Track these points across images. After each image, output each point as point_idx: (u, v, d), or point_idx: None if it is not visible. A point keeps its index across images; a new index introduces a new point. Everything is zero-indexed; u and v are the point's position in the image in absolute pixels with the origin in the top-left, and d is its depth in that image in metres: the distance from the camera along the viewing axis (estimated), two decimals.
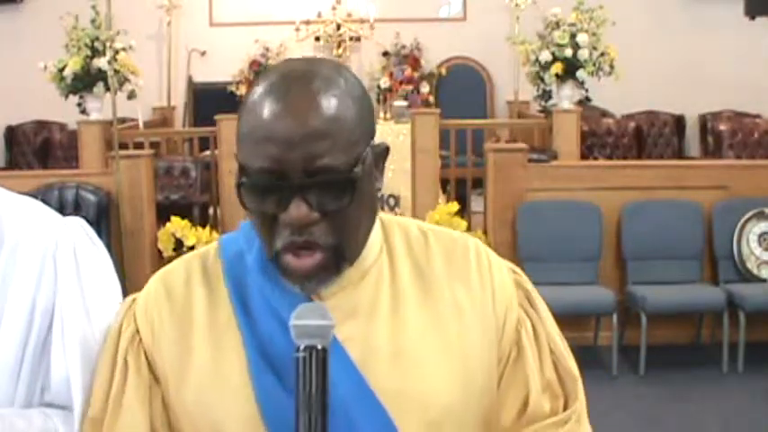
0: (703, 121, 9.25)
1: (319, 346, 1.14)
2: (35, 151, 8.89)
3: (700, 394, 5.09)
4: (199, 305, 1.30)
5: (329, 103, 1.18)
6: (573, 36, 6.89)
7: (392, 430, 1.24)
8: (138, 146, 6.87)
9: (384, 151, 1.27)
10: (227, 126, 6.77)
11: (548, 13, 7.09)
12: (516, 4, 8.63)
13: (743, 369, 5.40)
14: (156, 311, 1.31)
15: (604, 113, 9.04)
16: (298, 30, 8.59)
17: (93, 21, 6.68)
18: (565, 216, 5.64)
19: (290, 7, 8.77)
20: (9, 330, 1.31)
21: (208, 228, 6.16)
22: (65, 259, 1.36)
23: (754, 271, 5.70)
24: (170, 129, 8.62)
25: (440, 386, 1.27)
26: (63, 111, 7.32)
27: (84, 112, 6.85)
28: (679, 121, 9.27)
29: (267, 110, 1.17)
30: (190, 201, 7.07)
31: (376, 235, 1.32)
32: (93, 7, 6.62)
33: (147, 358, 1.31)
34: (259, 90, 1.20)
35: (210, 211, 7.19)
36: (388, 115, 8.07)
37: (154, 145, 7.16)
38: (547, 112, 7.41)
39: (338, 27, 8.76)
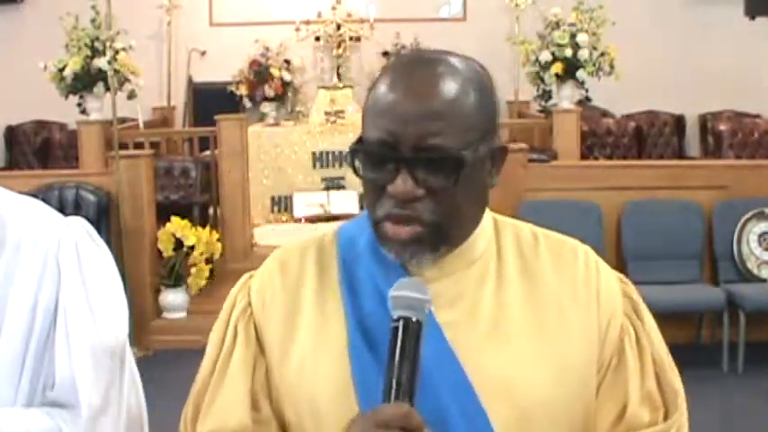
0: (703, 121, 9.28)
1: (414, 319, 1.18)
2: (35, 151, 8.90)
3: (700, 394, 5.00)
4: (309, 284, 1.36)
5: (449, 88, 1.23)
6: (573, 36, 6.93)
7: (480, 414, 1.25)
8: (138, 146, 6.88)
9: (501, 149, 1.31)
10: (226, 126, 6.80)
11: (548, 13, 7.13)
12: (516, 4, 8.64)
13: (743, 369, 5.40)
14: (269, 286, 1.37)
15: (604, 113, 9.07)
16: (298, 30, 8.60)
17: (93, 21, 6.69)
18: (565, 216, 5.63)
19: (290, 7, 8.79)
20: (11, 330, 1.32)
21: (208, 228, 6.17)
22: (67, 258, 1.36)
23: (755, 271, 5.71)
24: (170, 129, 8.64)
25: (534, 376, 1.28)
26: (63, 111, 7.33)
27: (84, 112, 6.86)
28: (679, 121, 9.30)
29: (391, 87, 1.24)
30: (190, 201, 7.08)
31: (486, 229, 1.36)
32: (93, 7, 6.62)
33: (256, 330, 1.36)
34: (389, 70, 1.28)
35: (210, 210, 7.21)
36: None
37: (154, 145, 7.17)
38: (547, 111, 7.45)
39: (338, 27, 8.78)
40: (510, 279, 1.34)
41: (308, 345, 1.32)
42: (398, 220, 1.24)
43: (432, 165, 1.22)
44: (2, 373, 1.30)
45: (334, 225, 1.47)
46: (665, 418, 1.33)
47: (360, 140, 1.26)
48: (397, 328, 1.19)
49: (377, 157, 1.23)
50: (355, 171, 1.26)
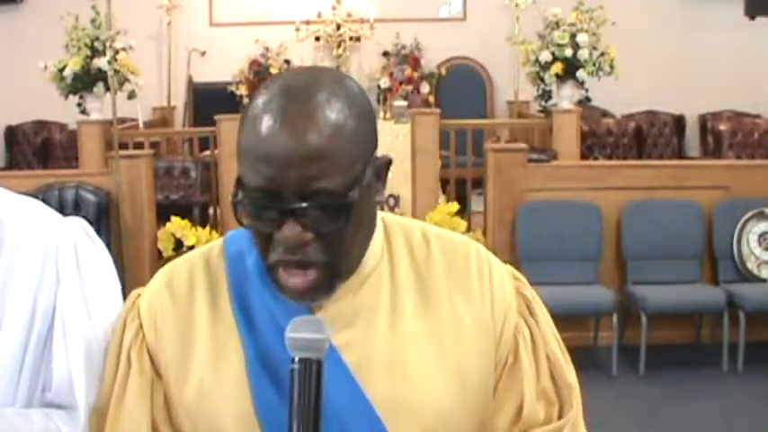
0: (703, 121, 9.26)
1: (314, 358, 1.15)
2: (35, 151, 8.90)
3: (700, 394, 5.09)
4: (201, 304, 1.31)
5: (327, 122, 1.16)
6: (573, 36, 6.91)
7: None
8: (138, 146, 6.87)
9: (386, 164, 1.27)
10: (227, 126, 6.77)
11: (548, 13, 7.11)
12: (516, 4, 8.63)
13: (743, 369, 5.41)
14: (159, 309, 1.33)
15: (604, 113, 9.05)
16: (298, 30, 8.59)
17: (93, 21, 6.69)
18: (565, 216, 5.65)
19: (290, 7, 8.78)
20: (10, 330, 1.32)
21: (208, 228, 6.16)
22: (66, 259, 1.36)
23: (755, 271, 5.72)
24: (170, 129, 8.62)
25: (434, 394, 1.27)
26: (63, 111, 7.33)
27: (84, 112, 6.85)
28: (679, 122, 9.28)
29: (264, 126, 1.16)
30: (190, 201, 7.07)
31: (377, 240, 1.31)
32: (93, 7, 6.62)
33: (149, 354, 1.32)
34: (259, 104, 1.19)
35: (210, 211, 7.20)
36: (388, 115, 8.08)
37: (154, 145, 7.16)
38: (547, 112, 7.42)
39: (338, 27, 8.77)
40: (404, 295, 1.31)
41: (205, 368, 1.29)
42: (291, 266, 1.20)
43: (319, 210, 1.17)
44: (1, 373, 1.30)
45: (220, 237, 1.41)
46: (560, 414, 1.34)
47: (239, 181, 1.19)
48: (298, 371, 1.16)
49: (259, 206, 1.18)
50: (238, 220, 1.21)
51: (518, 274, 1.40)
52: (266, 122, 1.16)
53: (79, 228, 1.40)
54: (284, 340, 1.19)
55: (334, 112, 1.17)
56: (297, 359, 1.16)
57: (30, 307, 1.33)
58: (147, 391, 1.32)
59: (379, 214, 1.33)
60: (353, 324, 1.27)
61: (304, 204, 1.16)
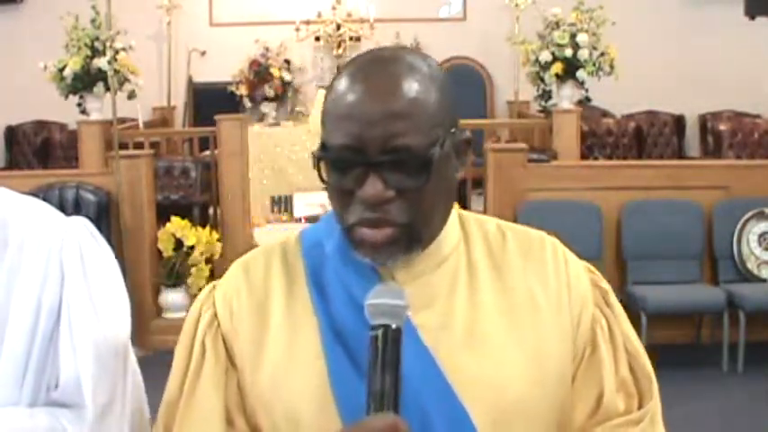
0: (703, 121, 9.28)
1: (393, 326, 1.16)
2: (35, 151, 8.90)
3: (700, 394, 5.10)
4: (277, 291, 1.33)
5: (410, 86, 1.22)
6: (573, 36, 6.92)
7: (463, 416, 1.24)
8: (138, 146, 6.88)
9: (465, 140, 1.30)
10: (227, 126, 6.78)
11: (548, 13, 7.12)
12: (516, 5, 8.64)
13: (743, 369, 5.42)
14: (235, 296, 1.34)
15: (604, 113, 9.07)
16: (298, 30, 8.61)
17: (93, 21, 6.69)
18: (565, 216, 5.64)
19: (290, 7, 8.79)
20: (15, 330, 1.32)
21: (208, 228, 6.17)
22: (70, 258, 1.36)
23: (755, 271, 5.73)
24: (170, 129, 8.64)
25: (513, 375, 1.27)
26: (63, 111, 7.33)
27: (84, 112, 6.85)
28: (679, 121, 9.30)
29: (351, 89, 1.22)
30: (190, 201, 7.08)
31: (454, 226, 1.34)
32: (93, 7, 6.62)
33: (224, 342, 1.34)
34: (346, 71, 1.25)
35: (210, 210, 7.21)
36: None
37: (154, 145, 7.17)
38: (547, 112, 7.43)
39: (338, 27, 8.79)
40: (481, 277, 1.33)
41: (280, 352, 1.30)
42: (371, 224, 1.22)
43: (400, 166, 1.20)
44: (6, 373, 1.31)
45: (296, 230, 1.43)
46: (640, 405, 1.34)
47: (323, 146, 1.23)
48: (376, 337, 1.17)
49: (343, 162, 1.21)
50: (321, 178, 1.24)
51: (593, 268, 1.41)
52: (353, 84, 1.22)
53: (83, 227, 1.40)
54: (362, 315, 1.20)
55: (416, 79, 1.23)
56: (376, 325, 1.17)
57: (35, 307, 1.33)
58: (221, 378, 1.33)
59: (456, 208, 1.36)
60: (431, 305, 1.29)
61: (387, 159, 1.19)
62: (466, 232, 1.36)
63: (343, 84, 1.23)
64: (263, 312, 1.33)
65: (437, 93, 1.24)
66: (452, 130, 1.27)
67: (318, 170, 1.24)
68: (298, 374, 1.28)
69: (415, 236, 1.24)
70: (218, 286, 1.37)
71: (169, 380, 1.35)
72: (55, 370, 1.34)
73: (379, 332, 1.16)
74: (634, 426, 1.32)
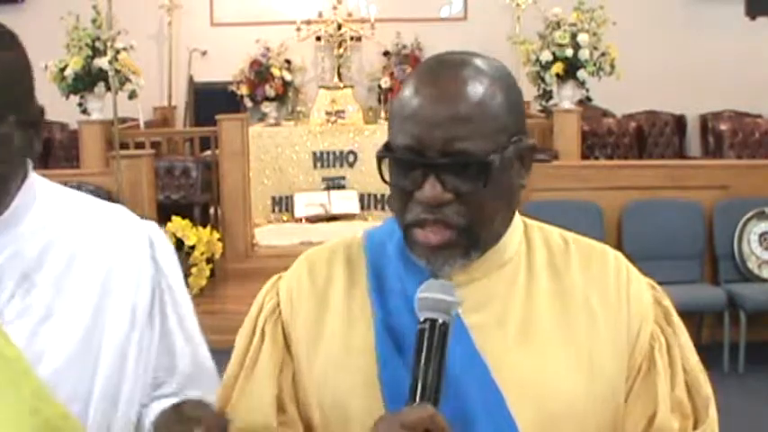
0: (704, 120, 9.32)
1: (440, 321, 1.18)
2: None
3: None
4: (337, 285, 1.36)
5: (476, 90, 1.23)
6: (573, 36, 6.99)
7: (508, 419, 1.25)
8: (139, 145, 6.90)
9: (529, 148, 1.29)
10: (228, 126, 6.81)
11: (548, 13, 7.18)
12: (517, 4, 8.68)
13: (744, 369, 5.44)
14: (296, 289, 1.38)
15: (605, 113, 9.09)
16: (299, 29, 8.61)
17: (94, 21, 6.71)
18: (566, 216, 5.63)
19: (291, 7, 8.81)
20: (114, 327, 1.36)
21: (208, 227, 6.18)
22: (162, 256, 1.44)
23: (755, 271, 5.74)
24: (171, 128, 8.66)
25: (562, 384, 1.27)
26: (64, 110, 7.32)
27: (85, 111, 6.87)
28: (680, 121, 9.34)
29: (417, 92, 1.23)
30: (191, 200, 7.10)
31: (516, 232, 1.34)
32: (94, 7, 6.65)
33: (283, 329, 1.38)
34: (414, 74, 1.27)
35: (211, 210, 7.22)
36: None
37: (155, 145, 7.19)
38: (548, 111, 7.48)
39: (339, 27, 8.80)
40: (540, 284, 1.33)
41: (335, 344, 1.33)
42: (428, 225, 1.23)
43: (459, 170, 1.21)
44: (109, 365, 1.35)
45: (358, 229, 1.47)
46: (695, 426, 1.33)
47: (387, 146, 1.26)
48: (423, 330, 1.19)
49: (404, 163, 1.23)
50: (382, 177, 1.26)
51: (656, 285, 1.41)
52: (419, 87, 1.24)
53: (157, 228, 1.49)
54: (415, 317, 1.22)
55: (483, 83, 1.24)
56: (424, 319, 1.19)
57: (131, 304, 1.38)
58: (277, 365, 1.37)
59: (520, 216, 1.36)
60: (485, 308, 1.29)
61: (447, 162, 1.21)
62: (528, 239, 1.36)
63: (410, 86, 1.25)
64: (322, 306, 1.36)
65: (503, 98, 1.25)
66: (517, 137, 1.26)
67: (380, 169, 1.26)
68: (349, 368, 1.30)
69: (471, 240, 1.25)
70: (283, 278, 1.41)
71: (229, 363, 1.39)
72: (174, 363, 1.42)
73: (426, 325, 1.18)
74: None
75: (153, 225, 1.48)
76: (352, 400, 1.29)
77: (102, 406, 1.34)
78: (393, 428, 1.16)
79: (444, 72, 1.25)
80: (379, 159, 1.25)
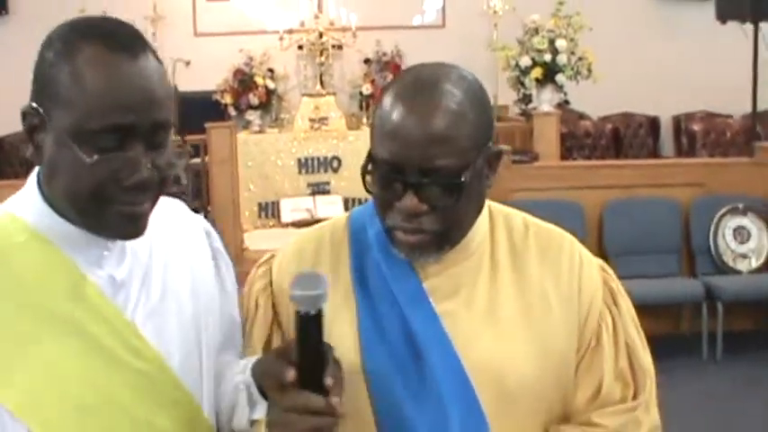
0: (677, 121, 9.40)
1: (312, 312, 1.26)
2: (23, 162, 8.94)
3: (681, 381, 5.20)
4: (323, 266, 1.50)
5: (449, 111, 1.34)
6: (552, 42, 7.04)
7: (473, 396, 1.41)
8: None
9: (498, 153, 1.43)
10: (216, 134, 6.90)
11: (527, 19, 7.23)
12: (494, 11, 8.78)
13: (721, 357, 5.56)
14: (286, 268, 1.53)
15: (581, 116, 9.14)
16: (281, 39, 8.58)
17: None
18: (548, 214, 5.68)
19: (273, 17, 8.84)
20: (202, 311, 1.44)
21: None
22: (216, 243, 1.53)
23: (731, 263, 5.86)
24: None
25: (520, 362, 1.43)
26: None
27: None
28: (654, 122, 9.41)
29: (396, 109, 1.35)
30: None
31: (483, 223, 1.49)
32: None
33: (273, 304, 1.53)
34: (392, 90, 1.38)
35: (202, 216, 7.29)
36: (371, 121, 8.17)
37: None
38: (527, 115, 7.52)
39: (321, 36, 8.78)
40: (501, 269, 1.48)
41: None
42: (405, 231, 1.38)
43: (435, 185, 1.34)
44: (186, 339, 1.41)
45: (342, 214, 1.62)
46: (635, 395, 1.48)
47: (370, 156, 1.38)
48: (298, 322, 1.27)
49: (385, 177, 1.36)
50: (366, 188, 1.39)
51: (606, 266, 1.55)
52: (397, 105, 1.36)
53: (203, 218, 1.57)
54: (392, 299, 1.41)
55: (455, 103, 1.35)
56: (298, 312, 1.27)
57: (190, 284, 1.44)
58: (266, 332, 1.52)
59: (488, 202, 1.50)
60: (455, 296, 1.45)
61: (424, 180, 1.34)
62: (493, 227, 1.51)
63: (389, 103, 1.37)
64: None
65: (474, 115, 1.36)
66: (487, 145, 1.40)
67: (363, 180, 1.39)
68: (334, 333, 1.41)
69: (444, 241, 1.41)
70: (275, 257, 1.57)
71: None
72: (228, 332, 1.51)
73: (301, 317, 1.27)
74: (628, 412, 1.46)
75: (202, 218, 1.56)
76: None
77: (208, 385, 1.43)
78: (278, 410, 1.28)
79: (420, 92, 1.35)
80: (363, 174, 1.38)
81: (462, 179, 1.34)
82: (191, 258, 1.45)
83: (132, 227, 1.30)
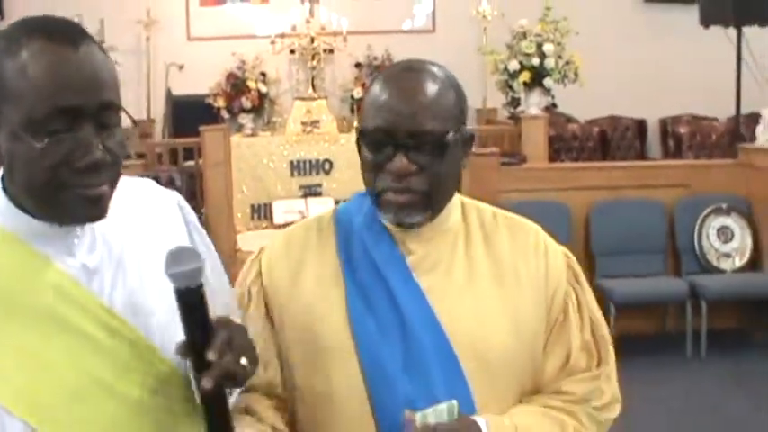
0: (664, 124, 9.49)
1: (193, 286, 1.28)
2: None
3: (666, 378, 5.31)
4: (312, 253, 1.65)
5: (432, 88, 1.54)
6: (539, 46, 7.11)
7: (455, 363, 1.55)
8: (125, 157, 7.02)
9: (470, 137, 1.60)
10: (210, 137, 6.97)
11: (515, 24, 7.29)
12: (483, 17, 8.88)
13: (705, 354, 5.65)
14: (275, 260, 1.67)
15: (570, 119, 9.21)
16: (273, 43, 8.63)
17: None
18: (536, 215, 5.75)
19: (266, 21, 8.89)
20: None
21: None
22: (190, 217, 1.55)
23: (714, 263, 5.94)
24: (163, 140, 8.63)
25: (496, 331, 1.58)
26: None
27: None
28: (641, 125, 9.49)
29: (385, 89, 1.55)
30: None
31: (456, 206, 1.65)
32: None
33: (264, 292, 1.65)
34: (381, 77, 1.58)
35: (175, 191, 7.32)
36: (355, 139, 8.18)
37: (141, 156, 7.34)
38: (516, 118, 7.56)
39: (312, 40, 8.82)
40: (475, 246, 1.63)
41: (312, 294, 1.61)
42: (395, 191, 1.53)
43: (422, 147, 1.51)
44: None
45: (330, 208, 1.75)
46: (598, 364, 1.64)
47: (360, 131, 1.55)
48: (178, 298, 1.28)
49: (378, 142, 1.53)
50: (360, 153, 1.56)
51: (569, 252, 1.71)
52: (387, 86, 1.55)
53: (178, 194, 1.58)
54: (376, 272, 1.55)
55: (438, 82, 1.55)
56: (178, 288, 1.28)
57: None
58: (259, 322, 1.63)
59: (460, 196, 1.66)
60: (435, 269, 1.60)
61: (412, 142, 1.50)
62: (466, 214, 1.67)
63: (379, 85, 1.56)
64: (299, 269, 1.63)
65: (452, 95, 1.57)
66: (462, 126, 1.58)
67: (359, 148, 1.56)
68: (325, 311, 1.59)
69: (429, 201, 1.55)
70: (266, 249, 1.70)
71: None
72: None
73: (182, 293, 1.28)
74: (593, 381, 1.63)
75: (176, 193, 1.56)
76: (327, 335, 1.57)
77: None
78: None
79: (406, 75, 1.55)
80: (359, 139, 1.55)
81: (445, 140, 1.51)
82: (165, 235, 1.46)
83: (93, 209, 1.31)
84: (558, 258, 1.67)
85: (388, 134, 1.52)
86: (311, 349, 1.59)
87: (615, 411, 1.67)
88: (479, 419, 1.52)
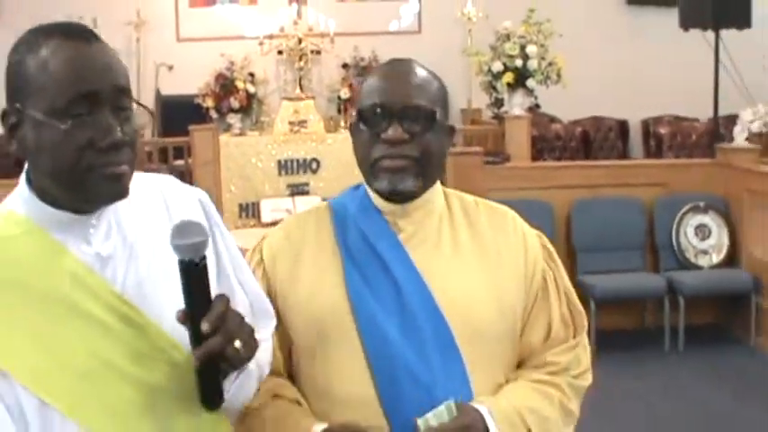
0: (645, 125, 9.58)
1: (197, 259, 1.35)
2: (14, 163, 9.00)
3: (645, 372, 5.39)
4: (310, 239, 1.79)
5: (420, 74, 1.75)
6: (523, 47, 7.18)
7: (447, 330, 1.69)
8: None
9: (452, 128, 1.77)
10: (199, 136, 7.05)
11: (499, 26, 7.36)
12: (468, 18, 8.97)
13: (683, 349, 5.74)
14: (276, 247, 1.81)
15: (553, 119, 9.29)
16: (261, 44, 8.62)
17: None
18: (520, 213, 5.81)
19: (254, 23, 8.92)
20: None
21: None
22: (212, 212, 1.61)
23: (692, 259, 6.04)
24: (154, 138, 8.71)
25: (482, 302, 1.73)
26: None
27: None
28: (623, 126, 9.58)
29: (379, 77, 1.76)
30: None
31: (440, 194, 1.82)
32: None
33: (267, 279, 1.78)
34: (375, 71, 1.79)
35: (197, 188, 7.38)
36: (349, 124, 8.26)
37: None
38: (499, 118, 7.64)
39: (300, 41, 8.80)
40: (458, 226, 1.78)
41: (312, 276, 1.75)
42: (391, 157, 1.68)
43: (413, 118, 1.68)
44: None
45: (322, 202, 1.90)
46: (574, 335, 1.80)
47: (358, 111, 1.73)
48: (181, 270, 1.35)
49: (374, 115, 1.70)
50: (358, 128, 1.72)
51: (542, 234, 1.86)
52: (381, 74, 1.76)
53: (201, 191, 1.64)
54: (371, 250, 1.70)
55: (425, 72, 1.76)
56: (181, 260, 1.35)
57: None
58: None
59: (441, 186, 1.81)
60: (424, 243, 1.75)
61: (405, 113, 1.68)
62: (448, 199, 1.83)
63: (373, 75, 1.76)
64: (298, 253, 1.77)
65: (437, 85, 1.75)
66: (446, 116, 1.76)
67: (357, 123, 1.72)
68: (325, 287, 1.72)
69: (420, 168, 1.70)
70: (267, 237, 1.84)
71: None
72: (234, 299, 1.50)
73: (185, 265, 1.35)
74: (572, 350, 1.79)
75: (199, 190, 1.62)
76: (328, 318, 1.70)
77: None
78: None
79: (399, 63, 1.75)
80: (357, 120, 1.72)
81: (434, 110, 1.70)
82: None
83: (116, 186, 1.40)
84: (534, 239, 1.82)
85: (383, 108, 1.69)
86: (313, 325, 1.72)
87: (589, 379, 1.83)
88: (480, 407, 1.66)
